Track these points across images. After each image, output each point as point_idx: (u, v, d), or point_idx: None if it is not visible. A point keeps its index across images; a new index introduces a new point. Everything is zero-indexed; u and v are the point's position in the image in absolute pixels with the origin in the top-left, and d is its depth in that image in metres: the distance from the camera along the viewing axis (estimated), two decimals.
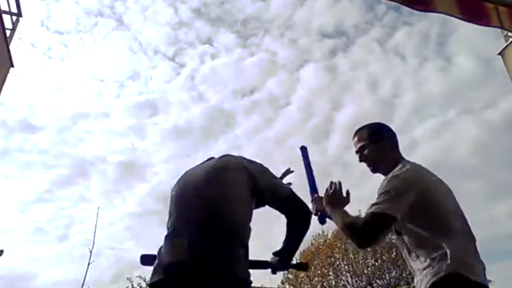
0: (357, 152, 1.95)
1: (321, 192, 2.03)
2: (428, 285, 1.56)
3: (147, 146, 26.65)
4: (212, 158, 1.84)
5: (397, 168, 1.73)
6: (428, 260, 1.59)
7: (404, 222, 1.64)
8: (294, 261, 1.91)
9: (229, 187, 1.61)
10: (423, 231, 1.62)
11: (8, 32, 8.47)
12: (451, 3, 2.34)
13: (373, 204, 1.63)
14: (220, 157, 1.78)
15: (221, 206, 1.56)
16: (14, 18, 8.92)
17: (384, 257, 16.29)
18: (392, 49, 27.23)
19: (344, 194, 1.88)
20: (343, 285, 16.81)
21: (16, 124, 22.99)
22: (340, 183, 1.88)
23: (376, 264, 16.54)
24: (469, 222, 1.72)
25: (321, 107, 27.97)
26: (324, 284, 17.10)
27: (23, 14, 9.01)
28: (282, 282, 17.95)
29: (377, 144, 1.88)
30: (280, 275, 17.90)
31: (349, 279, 16.81)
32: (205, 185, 1.63)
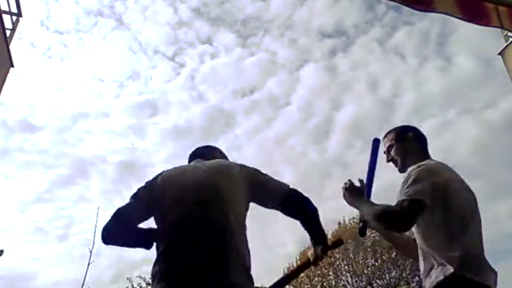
0: (384, 152, 2.00)
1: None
2: (440, 278, 1.57)
3: (147, 146, 26.66)
4: (197, 159, 1.84)
5: (424, 162, 1.78)
6: (438, 255, 1.61)
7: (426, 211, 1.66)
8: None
9: (222, 189, 1.58)
10: (437, 224, 1.64)
11: (8, 32, 8.47)
12: (451, 3, 2.34)
13: (405, 192, 1.64)
14: (210, 160, 1.77)
15: (213, 210, 1.53)
16: (14, 18, 8.92)
17: (384, 257, 16.28)
18: (392, 49, 27.27)
19: (357, 183, 1.90)
20: (343, 285, 16.80)
21: (16, 124, 23.00)
22: (350, 180, 1.91)
23: (376, 264, 16.53)
24: None
25: (321, 107, 27.96)
26: (324, 284, 17.09)
27: (23, 14, 9.02)
28: None
29: (401, 143, 1.94)
30: (280, 274, 17.87)
31: (349, 279, 16.80)
32: (199, 190, 1.59)
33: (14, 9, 8.86)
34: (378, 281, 16.46)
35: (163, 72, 28.70)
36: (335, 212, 17.10)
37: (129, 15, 27.50)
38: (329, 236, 17.51)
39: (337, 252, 16.66)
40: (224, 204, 1.55)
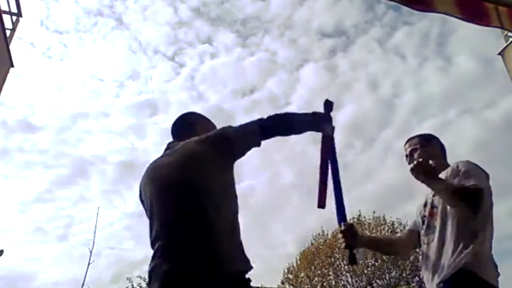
0: (406, 155, 2.05)
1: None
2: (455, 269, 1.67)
3: (146, 146, 26.61)
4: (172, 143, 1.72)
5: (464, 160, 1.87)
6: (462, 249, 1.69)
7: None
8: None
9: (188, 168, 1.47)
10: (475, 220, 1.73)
11: (8, 32, 8.47)
12: (451, 3, 2.34)
13: (473, 180, 1.73)
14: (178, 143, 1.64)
15: (185, 193, 1.43)
16: (14, 18, 8.93)
17: (384, 257, 16.27)
18: (392, 49, 27.28)
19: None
20: (343, 285, 16.81)
21: (16, 124, 23.02)
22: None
23: (376, 264, 16.53)
24: None
25: (321, 107, 27.90)
26: (324, 284, 17.09)
27: (22, 14, 9.02)
28: (282, 282, 17.95)
29: (426, 148, 2.00)
30: (280, 275, 17.90)
31: (349, 279, 16.80)
32: (168, 176, 1.51)
33: (14, 9, 8.87)
34: (378, 281, 16.46)
35: (163, 72, 28.78)
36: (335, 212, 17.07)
37: (129, 15, 27.56)
38: (329, 236, 17.56)
39: (337, 252, 16.67)
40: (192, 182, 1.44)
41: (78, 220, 20.47)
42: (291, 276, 17.86)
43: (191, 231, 1.38)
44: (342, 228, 1.93)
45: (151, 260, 1.41)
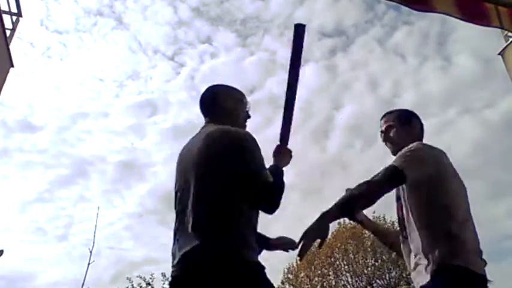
0: (382, 132, 1.93)
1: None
2: (433, 268, 1.53)
3: (146, 146, 26.76)
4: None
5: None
6: (429, 244, 1.57)
7: (417, 189, 1.62)
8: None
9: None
10: (430, 207, 1.61)
11: (8, 32, 8.47)
12: (450, 3, 2.34)
13: (394, 162, 1.61)
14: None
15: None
16: (14, 18, 8.93)
17: (384, 257, 16.29)
18: (392, 48, 27.34)
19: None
20: (343, 285, 16.82)
21: (16, 124, 23.08)
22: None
23: (376, 264, 16.54)
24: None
25: (321, 107, 28.01)
26: (324, 284, 17.10)
27: (22, 14, 9.02)
28: (282, 282, 17.95)
29: (405, 127, 1.87)
30: (280, 275, 17.89)
31: (349, 279, 16.81)
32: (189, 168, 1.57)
33: (14, 9, 8.87)
34: (378, 281, 16.47)
35: (163, 72, 28.85)
36: None
37: (128, 15, 27.63)
38: (329, 236, 17.54)
39: (337, 252, 16.68)
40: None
41: (78, 220, 20.56)
42: (291, 276, 17.87)
43: (213, 218, 1.42)
44: (280, 144, 1.86)
45: (173, 244, 1.49)
